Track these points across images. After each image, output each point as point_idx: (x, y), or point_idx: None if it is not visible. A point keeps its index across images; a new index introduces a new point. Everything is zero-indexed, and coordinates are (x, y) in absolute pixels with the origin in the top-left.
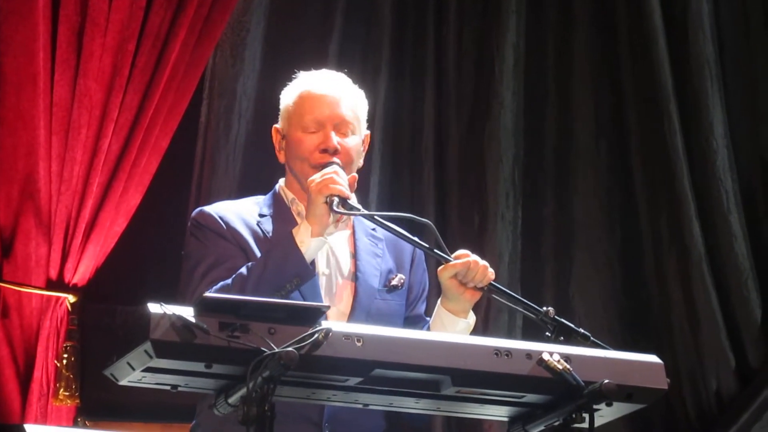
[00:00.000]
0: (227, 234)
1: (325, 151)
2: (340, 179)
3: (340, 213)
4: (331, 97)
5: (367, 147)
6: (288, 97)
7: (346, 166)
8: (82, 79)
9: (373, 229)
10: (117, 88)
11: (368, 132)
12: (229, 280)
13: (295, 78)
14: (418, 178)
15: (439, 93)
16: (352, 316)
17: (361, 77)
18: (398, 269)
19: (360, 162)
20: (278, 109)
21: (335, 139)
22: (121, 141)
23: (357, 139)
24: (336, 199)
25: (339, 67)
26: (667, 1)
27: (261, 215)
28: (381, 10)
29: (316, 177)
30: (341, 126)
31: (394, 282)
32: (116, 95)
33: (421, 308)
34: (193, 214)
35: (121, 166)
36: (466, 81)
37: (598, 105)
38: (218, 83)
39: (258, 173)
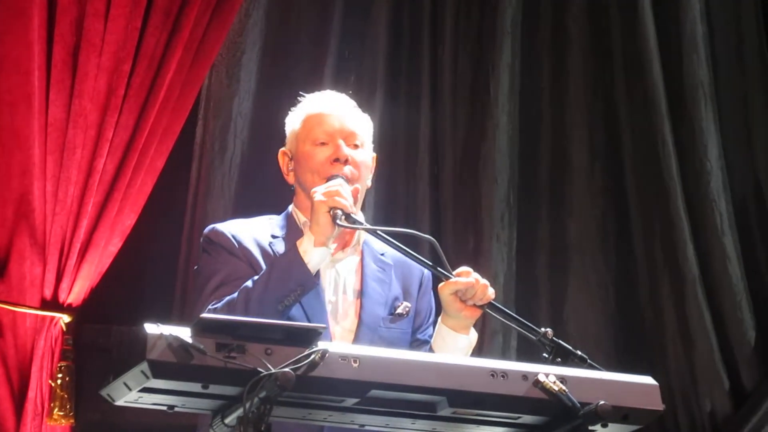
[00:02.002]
0: (239, 252)
1: (336, 160)
2: (345, 192)
3: (343, 227)
4: (340, 112)
5: (374, 168)
6: (294, 120)
7: (356, 179)
8: (77, 99)
9: (382, 254)
10: (112, 108)
11: (374, 154)
12: (235, 294)
13: (297, 101)
14: (413, 198)
15: (434, 114)
16: (355, 343)
17: (357, 98)
18: (405, 296)
19: (369, 181)
20: (274, 130)
21: (345, 149)
22: (116, 161)
23: (366, 154)
24: (339, 213)
25: (334, 87)
26: (662, 23)
27: (273, 236)
28: (376, 32)
29: (320, 188)
30: (351, 138)
31: (399, 310)
32: (111, 115)
33: (428, 332)
34: (206, 231)
35: (116, 186)
36: (461, 102)
37: (592, 127)
38: (214, 104)
39: (253, 194)
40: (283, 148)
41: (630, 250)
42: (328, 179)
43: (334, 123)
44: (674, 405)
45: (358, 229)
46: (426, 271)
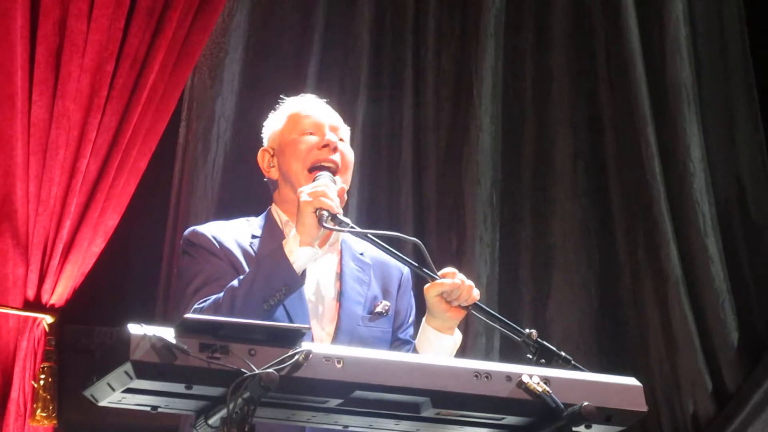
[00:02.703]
0: (220, 253)
1: (325, 146)
2: (331, 193)
3: (329, 228)
4: (325, 108)
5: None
6: (276, 120)
7: (342, 171)
8: (60, 100)
9: (361, 254)
10: (95, 108)
11: None
12: (221, 294)
13: (279, 103)
14: (396, 200)
15: (417, 116)
16: (335, 342)
17: (339, 99)
18: (384, 296)
19: (350, 178)
20: (257, 131)
21: (333, 135)
22: (99, 162)
23: (350, 149)
24: (326, 214)
25: (317, 88)
26: (645, 24)
27: (254, 236)
28: (359, 33)
29: (306, 188)
30: (337, 131)
31: (378, 309)
32: (94, 116)
33: (409, 332)
34: (186, 233)
35: (99, 186)
36: (445, 104)
37: (575, 128)
38: (196, 105)
39: (236, 194)
40: (263, 148)
41: (613, 251)
42: (311, 168)
43: (321, 115)
44: (657, 406)
45: (344, 231)
46: (405, 270)
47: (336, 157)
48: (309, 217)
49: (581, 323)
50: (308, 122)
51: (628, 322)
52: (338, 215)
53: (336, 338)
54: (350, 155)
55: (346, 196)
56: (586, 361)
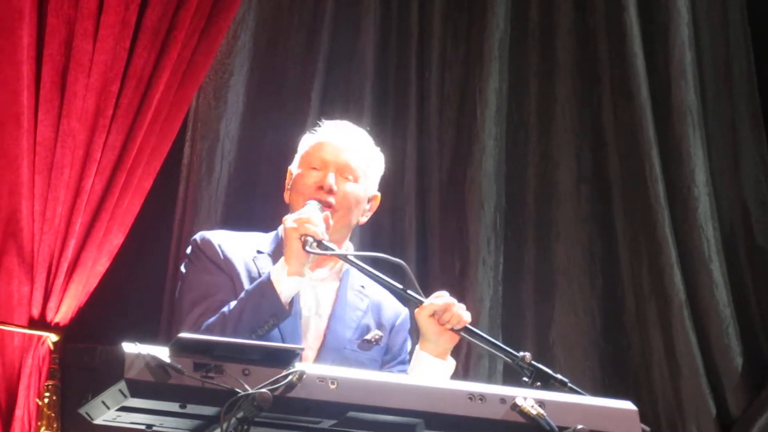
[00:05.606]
0: (222, 264)
1: (320, 188)
2: (315, 219)
3: (313, 253)
4: (341, 143)
5: (374, 208)
6: (305, 142)
7: (341, 211)
8: (65, 119)
9: (362, 286)
10: (100, 128)
11: (378, 193)
12: (212, 319)
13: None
14: (400, 223)
15: (421, 139)
16: (318, 362)
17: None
18: (378, 327)
19: (361, 217)
20: (261, 151)
21: (331, 179)
22: (104, 181)
23: (358, 188)
24: (310, 239)
25: (321, 111)
26: (650, 48)
27: (259, 252)
28: (363, 55)
29: (291, 216)
30: (343, 170)
31: (368, 337)
32: (99, 135)
33: (397, 369)
34: (196, 237)
35: (104, 206)
36: (448, 127)
37: (580, 152)
38: (201, 125)
39: (240, 215)
40: (290, 167)
41: (616, 275)
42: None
43: (331, 152)
44: (660, 431)
45: (328, 255)
46: (403, 315)
47: (331, 199)
48: (295, 243)
49: (584, 347)
50: (317, 157)
51: (631, 346)
52: (323, 241)
53: (319, 358)
54: (353, 194)
55: (343, 227)
56: (589, 385)
